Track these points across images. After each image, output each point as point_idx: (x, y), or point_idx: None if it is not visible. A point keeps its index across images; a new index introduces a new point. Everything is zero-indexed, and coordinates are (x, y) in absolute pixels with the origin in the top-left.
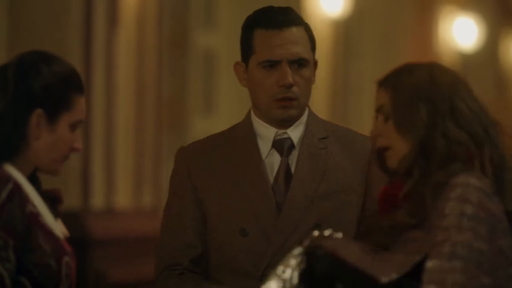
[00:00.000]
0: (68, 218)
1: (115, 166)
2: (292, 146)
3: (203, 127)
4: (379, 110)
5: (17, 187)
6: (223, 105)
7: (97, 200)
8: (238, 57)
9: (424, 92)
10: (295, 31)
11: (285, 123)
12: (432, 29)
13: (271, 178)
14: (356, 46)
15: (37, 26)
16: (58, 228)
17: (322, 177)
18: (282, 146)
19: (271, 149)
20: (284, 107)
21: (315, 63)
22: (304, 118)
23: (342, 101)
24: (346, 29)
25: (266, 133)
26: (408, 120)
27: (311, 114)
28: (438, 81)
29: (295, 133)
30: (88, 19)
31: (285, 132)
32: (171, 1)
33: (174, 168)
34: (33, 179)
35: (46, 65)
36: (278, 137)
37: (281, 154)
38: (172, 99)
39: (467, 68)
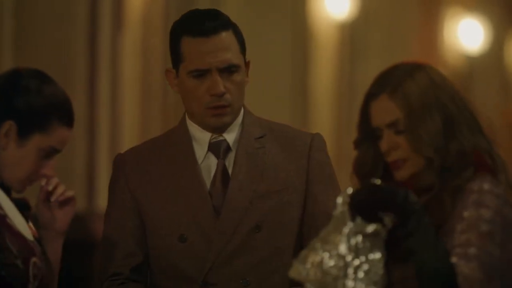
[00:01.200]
0: (73, 220)
1: None
2: (228, 148)
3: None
4: (391, 126)
5: None
6: None
7: (102, 202)
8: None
9: (433, 98)
10: (223, 37)
11: (220, 130)
12: (438, 31)
13: (208, 182)
14: (361, 48)
15: (42, 28)
16: (28, 230)
17: (260, 177)
18: (218, 148)
19: (207, 153)
20: (217, 115)
21: (247, 64)
22: (239, 119)
23: (348, 103)
24: (351, 31)
25: (201, 136)
26: (424, 132)
27: (247, 113)
28: (440, 84)
29: (230, 134)
30: (94, 21)
31: (221, 135)
32: (176, 3)
33: (111, 175)
34: (3, 185)
35: (38, 84)
36: (214, 140)
37: (217, 157)
38: (178, 101)
39: (473, 70)
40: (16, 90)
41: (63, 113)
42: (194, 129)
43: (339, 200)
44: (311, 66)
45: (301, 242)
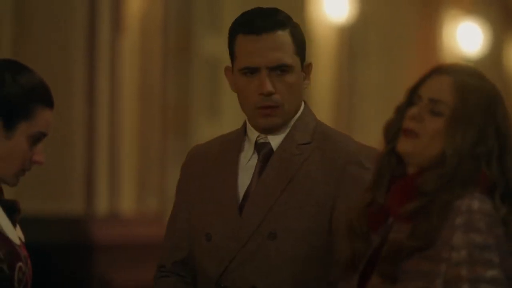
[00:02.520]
0: (72, 224)
1: (119, 172)
2: (271, 151)
3: (208, 132)
4: (433, 101)
5: None
6: (228, 110)
7: (101, 206)
8: None
9: (486, 111)
10: (275, 36)
11: (269, 131)
12: (437, 33)
13: (248, 183)
14: (360, 50)
15: (41, 31)
16: (15, 234)
17: (287, 185)
18: (260, 150)
19: (253, 153)
20: (267, 115)
21: (308, 66)
22: (291, 122)
23: (347, 105)
24: (350, 34)
25: (252, 136)
26: (460, 134)
27: (301, 117)
28: (501, 111)
29: (276, 137)
30: (92, 24)
31: (266, 137)
32: (175, 6)
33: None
34: None
35: (11, 74)
36: (260, 141)
37: (259, 158)
38: (177, 104)
39: None
40: None
41: (42, 96)
42: (248, 128)
43: None
44: None
45: (318, 254)
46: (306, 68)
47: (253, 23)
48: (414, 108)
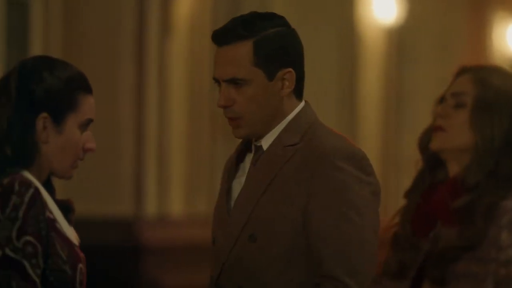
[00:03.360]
0: (121, 226)
1: (169, 174)
2: (263, 154)
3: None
4: (455, 95)
5: (38, 192)
6: None
7: (150, 208)
8: None
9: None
10: (232, 49)
11: (248, 138)
12: (486, 35)
13: None
14: (409, 52)
15: (91, 34)
16: (73, 235)
17: (267, 186)
18: (255, 153)
19: (253, 157)
20: (232, 126)
21: (285, 73)
22: (281, 126)
23: (395, 108)
24: (399, 36)
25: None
26: (488, 122)
27: (295, 119)
28: None
29: (266, 141)
30: (141, 27)
31: (259, 140)
32: (224, 7)
33: None
34: (48, 187)
35: (48, 69)
36: (256, 144)
37: (252, 163)
38: None
39: None
40: (33, 85)
41: (82, 84)
42: None
43: None
44: (358, 71)
45: (300, 255)
46: (285, 76)
47: (216, 34)
48: (439, 107)
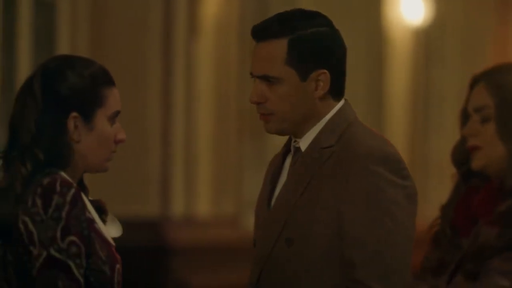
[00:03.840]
0: (148, 226)
1: (196, 174)
2: (300, 156)
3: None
4: (477, 110)
5: (78, 192)
6: None
7: (177, 209)
8: None
9: None
10: (267, 46)
11: (294, 135)
12: None
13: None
14: (437, 53)
15: (118, 35)
16: (109, 236)
17: (304, 189)
18: (294, 154)
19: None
20: (264, 121)
21: (319, 74)
22: (319, 127)
23: (423, 110)
24: (427, 36)
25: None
26: None
27: (333, 119)
28: None
29: (304, 142)
30: (168, 27)
31: (296, 140)
32: (252, 7)
33: None
34: (81, 186)
35: (70, 68)
36: (295, 145)
37: (291, 165)
38: (253, 106)
39: None
40: (58, 85)
41: (105, 78)
42: None
43: None
44: (386, 72)
45: (335, 258)
46: (320, 77)
47: (254, 30)
48: (466, 126)
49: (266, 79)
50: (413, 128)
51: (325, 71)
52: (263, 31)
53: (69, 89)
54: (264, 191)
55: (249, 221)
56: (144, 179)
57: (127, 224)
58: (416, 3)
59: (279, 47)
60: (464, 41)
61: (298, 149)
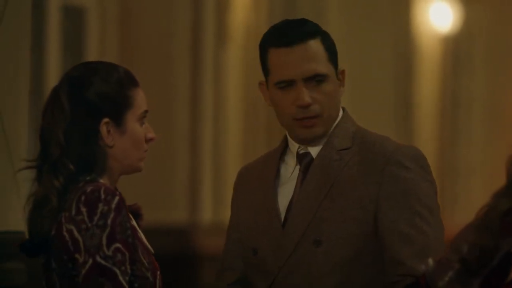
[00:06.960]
0: (176, 233)
1: (224, 182)
2: (312, 160)
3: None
4: None
5: (122, 200)
6: None
7: (206, 216)
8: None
9: None
10: (308, 46)
11: (310, 141)
12: None
13: (292, 194)
14: (465, 60)
15: (146, 41)
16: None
17: (329, 190)
18: (302, 161)
19: (296, 164)
20: (306, 126)
21: (342, 72)
22: (330, 130)
23: (451, 118)
24: (455, 44)
25: (293, 149)
26: None
27: (339, 124)
28: None
29: (316, 147)
30: (196, 35)
31: (306, 147)
32: (279, 16)
33: None
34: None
35: (95, 74)
36: (301, 152)
37: (301, 169)
38: None
39: None
40: (86, 93)
41: (130, 80)
42: (289, 140)
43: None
44: (414, 79)
45: (365, 257)
46: (340, 75)
47: (284, 36)
48: None
49: (314, 78)
50: (442, 136)
51: (344, 69)
52: (297, 34)
53: (97, 96)
54: (262, 197)
55: None
56: (172, 186)
57: (155, 231)
58: (445, 11)
59: (318, 45)
60: (493, 49)
61: (305, 154)
